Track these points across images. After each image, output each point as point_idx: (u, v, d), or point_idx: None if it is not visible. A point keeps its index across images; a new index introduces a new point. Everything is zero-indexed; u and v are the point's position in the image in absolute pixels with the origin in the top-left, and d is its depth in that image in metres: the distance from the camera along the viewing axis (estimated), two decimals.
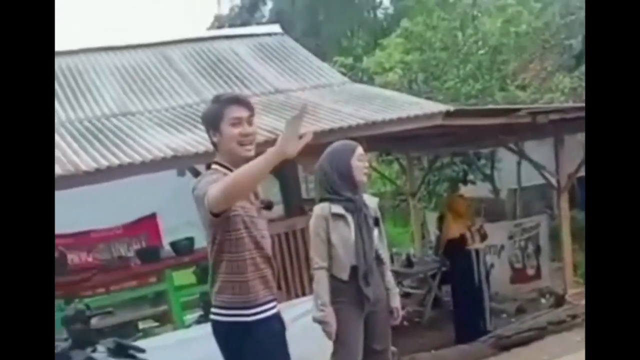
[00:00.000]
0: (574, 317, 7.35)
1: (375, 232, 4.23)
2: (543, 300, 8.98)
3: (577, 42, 13.02)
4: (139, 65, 8.72)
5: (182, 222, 6.68)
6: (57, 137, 6.34)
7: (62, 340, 3.90)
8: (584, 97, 10.12)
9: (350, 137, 4.84)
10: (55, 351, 3.69)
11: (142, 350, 4.05)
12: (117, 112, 7.53)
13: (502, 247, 9.24)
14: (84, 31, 40.40)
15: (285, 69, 9.00)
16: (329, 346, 4.19)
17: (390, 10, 24.84)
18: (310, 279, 4.56)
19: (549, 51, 13.12)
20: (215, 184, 2.99)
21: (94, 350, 3.85)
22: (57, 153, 5.80)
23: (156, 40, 9.31)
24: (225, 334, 3.33)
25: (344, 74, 11.14)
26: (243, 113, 3.27)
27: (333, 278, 4.10)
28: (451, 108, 7.07)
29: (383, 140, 7.92)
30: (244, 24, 21.54)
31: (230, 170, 3.15)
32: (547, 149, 9.01)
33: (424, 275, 9.41)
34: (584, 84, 11.24)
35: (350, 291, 4.09)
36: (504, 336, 7.25)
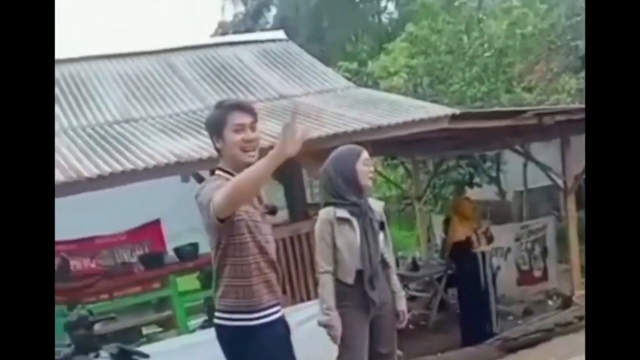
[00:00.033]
0: (581, 318, 7.30)
1: (381, 236, 4.21)
2: (550, 302, 8.96)
3: (583, 43, 13.01)
4: (142, 72, 8.72)
5: (186, 228, 6.69)
6: (60, 144, 6.34)
7: (65, 346, 3.90)
8: None
9: (355, 141, 4.83)
10: (59, 357, 3.68)
11: (146, 356, 4.04)
12: (120, 119, 7.53)
13: (509, 249, 9.25)
14: (86, 38, 40.60)
15: (289, 75, 9.00)
16: (334, 350, 4.17)
17: (395, 15, 24.85)
18: (315, 283, 4.55)
19: (555, 52, 13.09)
20: (219, 189, 2.99)
21: (97, 356, 3.85)
22: (60, 160, 5.80)
23: (160, 47, 9.31)
24: (229, 339, 3.33)
25: (348, 78, 11.13)
26: (246, 119, 3.27)
27: (338, 282, 4.09)
28: (457, 111, 7.07)
29: (388, 145, 7.91)
30: (248, 30, 21.61)
31: (234, 176, 3.14)
32: (553, 150, 8.99)
33: (430, 278, 9.39)
34: None
35: (355, 295, 4.08)
36: (511, 338, 7.24)
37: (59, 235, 2.57)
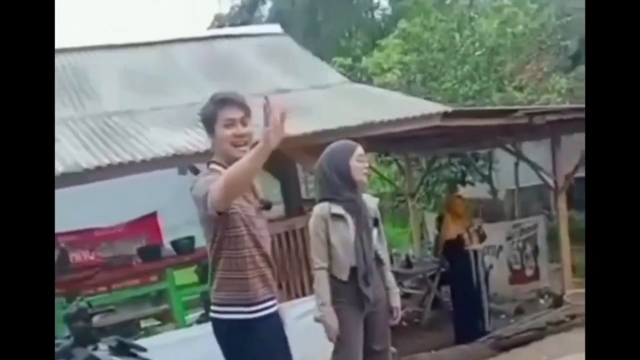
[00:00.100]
0: (572, 317, 7.38)
1: (375, 232, 4.22)
2: (542, 301, 9.02)
3: (573, 43, 13.11)
4: (141, 63, 8.69)
5: (182, 221, 6.65)
6: (59, 135, 6.32)
7: (64, 338, 3.90)
8: (580, 98, 10.17)
9: (349, 137, 4.85)
10: (57, 349, 3.69)
11: (144, 349, 4.04)
12: (119, 110, 7.49)
13: (501, 247, 9.27)
14: (83, 30, 40.34)
15: (285, 69, 8.98)
16: (329, 346, 4.19)
17: (388, 11, 24.85)
18: (311, 279, 4.56)
19: (545, 52, 13.16)
20: (214, 183, 3.00)
21: (96, 349, 3.84)
22: (59, 151, 5.79)
23: (158, 38, 9.26)
24: (226, 332, 3.34)
25: (343, 74, 11.13)
26: (236, 114, 3.25)
27: (333, 278, 4.10)
28: (449, 109, 7.07)
29: (382, 141, 7.92)
30: (244, 23, 21.58)
31: (226, 169, 3.14)
32: (544, 150, 9.03)
33: (423, 275, 9.41)
34: (579, 84, 11.32)
35: (349, 292, 4.10)
36: (503, 337, 7.28)
37: (58, 227, 2.58)
